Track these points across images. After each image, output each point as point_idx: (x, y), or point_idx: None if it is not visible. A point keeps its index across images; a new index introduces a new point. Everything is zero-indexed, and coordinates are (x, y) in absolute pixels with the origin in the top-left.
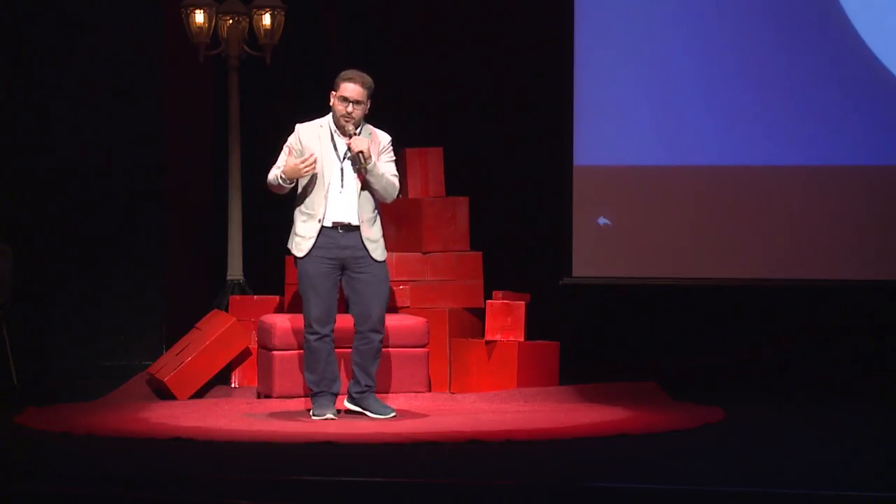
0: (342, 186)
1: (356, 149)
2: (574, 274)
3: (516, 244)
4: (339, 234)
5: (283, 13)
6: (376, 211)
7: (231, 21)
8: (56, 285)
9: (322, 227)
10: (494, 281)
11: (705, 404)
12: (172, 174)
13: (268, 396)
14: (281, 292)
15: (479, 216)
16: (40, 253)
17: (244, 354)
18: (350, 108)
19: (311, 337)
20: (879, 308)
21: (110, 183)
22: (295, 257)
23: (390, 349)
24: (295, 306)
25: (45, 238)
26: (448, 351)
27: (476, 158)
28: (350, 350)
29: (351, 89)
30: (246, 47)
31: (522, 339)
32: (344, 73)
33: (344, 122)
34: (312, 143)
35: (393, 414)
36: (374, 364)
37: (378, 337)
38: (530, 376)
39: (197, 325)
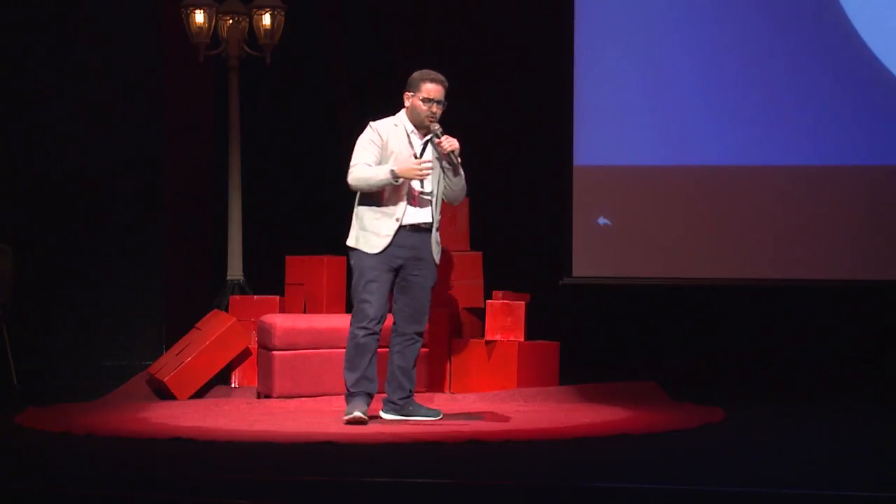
0: (422, 187)
1: (449, 148)
2: (574, 274)
3: (516, 244)
4: (410, 235)
5: (283, 13)
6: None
7: (231, 21)
8: (56, 285)
9: (400, 226)
10: (494, 281)
11: (705, 404)
12: (172, 174)
13: (268, 396)
14: (281, 292)
15: (479, 216)
16: (40, 253)
17: (244, 354)
18: (434, 108)
19: (361, 332)
20: (879, 308)
21: (110, 183)
22: (361, 253)
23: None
24: (295, 306)
25: (45, 238)
26: (448, 351)
27: (476, 158)
28: (386, 349)
29: (434, 90)
30: (246, 47)
31: (522, 339)
32: (423, 74)
33: (429, 123)
34: (392, 141)
35: (441, 415)
36: (414, 367)
37: (422, 339)
38: (530, 376)
39: (197, 325)
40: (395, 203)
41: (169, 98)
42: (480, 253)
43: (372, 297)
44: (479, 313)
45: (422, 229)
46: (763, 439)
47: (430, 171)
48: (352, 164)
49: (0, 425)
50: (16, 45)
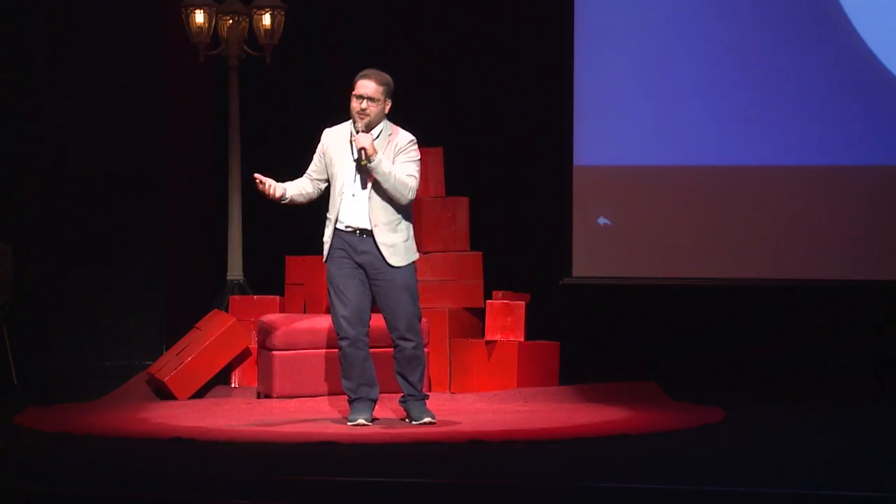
0: (355, 189)
1: (357, 145)
2: (574, 274)
3: (516, 244)
4: (358, 239)
5: (283, 13)
6: (399, 215)
7: (231, 21)
8: (56, 285)
9: (336, 229)
10: (494, 281)
11: (705, 404)
12: (172, 174)
13: (268, 396)
14: (281, 292)
15: (479, 216)
16: (40, 253)
17: (244, 354)
18: (364, 105)
19: (344, 343)
20: (880, 308)
21: (110, 183)
22: (325, 262)
23: (390, 349)
24: (295, 306)
25: (45, 238)
26: (448, 351)
27: (476, 158)
28: (384, 349)
29: (362, 85)
30: (246, 47)
31: (522, 339)
32: (361, 72)
33: (358, 119)
34: (333, 147)
35: (427, 420)
36: (413, 372)
37: (409, 344)
38: (530, 376)
39: (197, 325)
40: (333, 206)
41: (169, 98)
42: (480, 253)
43: (339, 305)
44: (479, 313)
45: (366, 233)
46: (763, 439)
47: (263, 187)
48: None
49: (0, 425)
50: (15, 44)
